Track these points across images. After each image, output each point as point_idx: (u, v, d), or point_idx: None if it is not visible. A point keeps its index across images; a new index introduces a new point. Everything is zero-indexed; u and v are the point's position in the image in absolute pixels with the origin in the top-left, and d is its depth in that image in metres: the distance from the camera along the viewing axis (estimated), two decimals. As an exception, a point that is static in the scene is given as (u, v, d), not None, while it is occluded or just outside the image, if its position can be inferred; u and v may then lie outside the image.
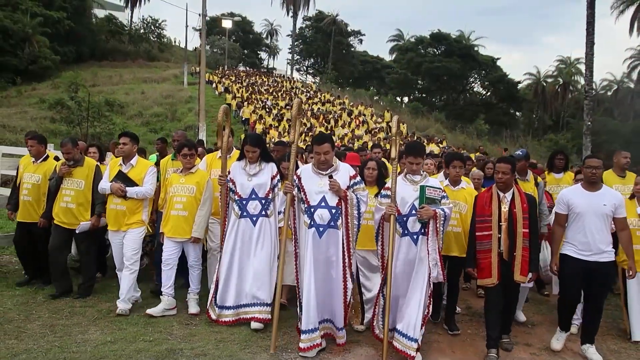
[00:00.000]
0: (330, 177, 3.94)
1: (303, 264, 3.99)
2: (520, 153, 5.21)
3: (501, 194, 4.06)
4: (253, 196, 4.39)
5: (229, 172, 4.54)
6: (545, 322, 4.99)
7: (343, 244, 3.92)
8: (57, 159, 5.41)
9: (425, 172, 4.19)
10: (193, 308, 4.62)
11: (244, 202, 4.40)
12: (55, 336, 3.92)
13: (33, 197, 5.24)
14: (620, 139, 33.46)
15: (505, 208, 4.00)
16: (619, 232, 4.16)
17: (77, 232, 4.92)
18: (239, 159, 4.58)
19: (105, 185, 4.77)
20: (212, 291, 4.45)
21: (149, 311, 4.47)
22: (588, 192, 4.07)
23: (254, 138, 4.64)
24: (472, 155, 14.25)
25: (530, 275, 3.98)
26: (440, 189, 4.03)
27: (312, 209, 3.94)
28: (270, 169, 4.51)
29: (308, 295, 3.85)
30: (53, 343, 3.77)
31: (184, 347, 3.79)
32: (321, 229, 3.90)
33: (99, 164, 5.41)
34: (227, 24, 39.98)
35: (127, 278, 4.64)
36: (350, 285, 3.96)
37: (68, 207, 4.95)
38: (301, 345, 3.81)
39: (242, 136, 16.44)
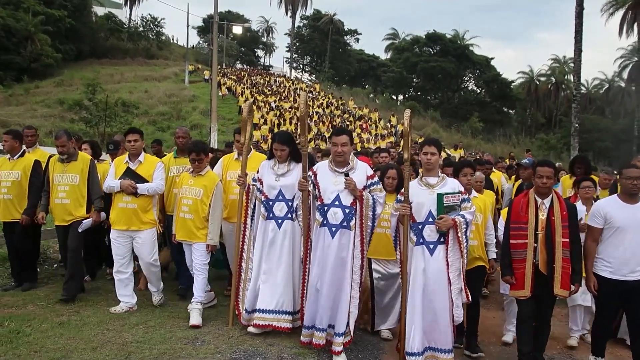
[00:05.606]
0: (347, 175, 3.82)
1: (312, 262, 3.91)
2: (527, 161, 5.55)
3: (539, 200, 3.74)
4: (280, 197, 4.16)
5: (257, 171, 4.34)
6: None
7: (355, 245, 3.81)
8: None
9: (443, 175, 3.88)
10: (195, 319, 4.24)
11: (271, 203, 4.18)
12: (166, 310, 4.66)
13: (14, 194, 4.99)
14: (611, 137, 34.59)
15: (543, 215, 3.69)
16: None
17: (79, 230, 4.74)
18: (269, 158, 4.35)
19: (113, 183, 4.53)
20: (243, 297, 4.28)
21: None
22: (628, 205, 3.76)
23: (283, 135, 4.38)
24: (507, 160, 14.17)
25: (573, 287, 3.70)
26: (459, 192, 3.74)
27: (326, 207, 3.83)
28: (300, 169, 4.15)
29: (316, 295, 3.82)
30: (163, 316, 4.49)
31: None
32: (333, 228, 3.78)
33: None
34: (237, 30, 40.49)
35: (153, 275, 4.71)
36: (356, 292, 3.82)
37: (63, 202, 4.75)
38: (302, 339, 3.89)
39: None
